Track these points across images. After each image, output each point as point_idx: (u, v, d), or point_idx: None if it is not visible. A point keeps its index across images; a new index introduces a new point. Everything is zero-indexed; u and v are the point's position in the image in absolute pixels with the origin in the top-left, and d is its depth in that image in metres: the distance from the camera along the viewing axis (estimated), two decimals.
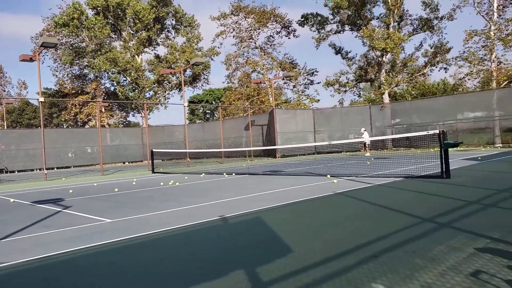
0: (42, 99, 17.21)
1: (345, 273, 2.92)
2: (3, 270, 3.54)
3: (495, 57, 25.38)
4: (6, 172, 25.96)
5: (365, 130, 22.10)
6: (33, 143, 26.74)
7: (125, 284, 3.02)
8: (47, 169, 17.34)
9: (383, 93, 30.03)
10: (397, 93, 40.04)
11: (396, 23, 30.18)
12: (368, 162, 14.79)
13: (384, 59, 30.19)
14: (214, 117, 58.07)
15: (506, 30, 25.06)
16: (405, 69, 31.97)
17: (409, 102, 28.76)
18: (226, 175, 13.19)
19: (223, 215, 5.62)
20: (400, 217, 4.81)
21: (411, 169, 10.46)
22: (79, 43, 36.32)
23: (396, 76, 31.35)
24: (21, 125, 44.07)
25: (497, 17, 25.16)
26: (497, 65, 25.66)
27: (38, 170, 26.73)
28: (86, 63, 37.12)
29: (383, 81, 30.23)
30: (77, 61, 37.32)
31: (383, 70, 30.73)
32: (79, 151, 30.06)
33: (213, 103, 56.89)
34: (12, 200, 9.45)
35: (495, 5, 24.96)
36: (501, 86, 24.86)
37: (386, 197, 6.60)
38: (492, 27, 25.01)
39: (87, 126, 42.14)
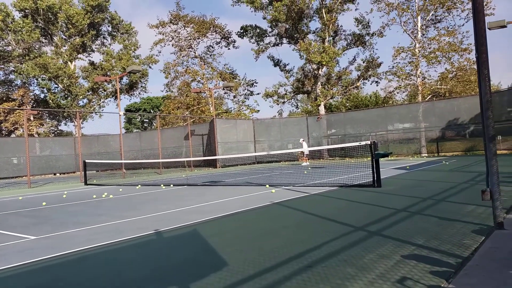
0: None
1: (278, 285, 2.85)
2: None
3: (420, 72, 27.65)
4: None
5: (303, 141, 22.72)
6: None
7: None
8: None
9: (319, 104, 31.27)
10: (333, 104, 42.05)
11: (331, 38, 31.71)
12: (306, 172, 15.18)
13: (320, 72, 31.51)
14: (153, 126, 56.24)
15: (429, 48, 27.48)
16: (339, 82, 33.63)
17: (343, 114, 30.30)
18: (164, 187, 12.69)
19: (158, 229, 5.31)
20: (334, 226, 4.90)
21: (345, 178, 10.89)
22: (4, 47, 33.17)
23: (331, 89, 32.84)
24: None
25: (421, 36, 27.51)
26: (422, 79, 27.97)
27: None
28: (13, 68, 33.99)
29: (319, 93, 31.50)
30: (2, 66, 34.05)
31: (319, 83, 32.04)
32: (3, 162, 27.20)
33: (151, 111, 55.14)
34: None
35: (419, 24, 27.31)
36: (426, 99, 27.12)
37: (322, 206, 6.74)
38: (417, 45, 27.24)
39: (13, 136, 38.35)
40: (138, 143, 31.31)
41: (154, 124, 55.82)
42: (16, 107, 34.53)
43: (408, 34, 27.92)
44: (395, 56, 28.00)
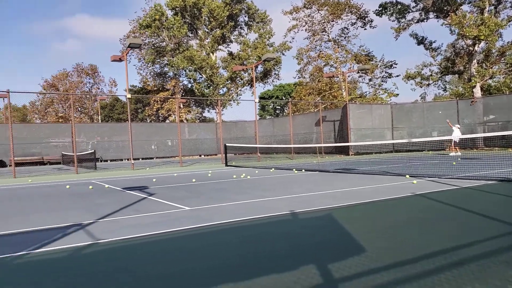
0: (129, 96, 18.83)
1: (422, 278, 2.74)
2: (99, 246, 3.97)
3: None
4: (101, 161, 28.98)
5: (457, 127, 19.55)
6: (122, 136, 29.48)
7: (198, 268, 3.19)
8: (134, 159, 19.00)
9: (474, 86, 27.37)
10: (492, 86, 36.22)
11: (492, 7, 27.23)
12: (454, 163, 13.63)
13: (476, 48, 27.48)
14: (284, 113, 58.18)
15: None
16: (502, 59, 28.71)
17: (506, 96, 25.79)
18: (296, 171, 13.17)
19: (293, 210, 5.62)
20: (491, 224, 4.36)
21: (508, 171, 9.41)
22: (160, 43, 38.96)
23: (491, 67, 28.31)
24: (112, 119, 48.76)
25: None
26: None
27: (126, 160, 29.47)
28: (166, 62, 39.70)
29: (474, 73, 27.52)
30: (158, 60, 40.10)
31: (475, 61, 27.98)
32: (161, 143, 32.37)
33: (283, 98, 57.00)
34: (106, 186, 10.52)
35: None
36: None
37: (475, 201, 6.03)
38: None
39: (167, 121, 45.18)
40: (271, 129, 33.01)
41: (286, 110, 57.75)
42: (169, 96, 40.39)
43: None
44: None
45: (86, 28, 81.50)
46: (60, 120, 43.06)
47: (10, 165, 24.24)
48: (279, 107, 62.20)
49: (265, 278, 2.89)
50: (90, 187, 10.34)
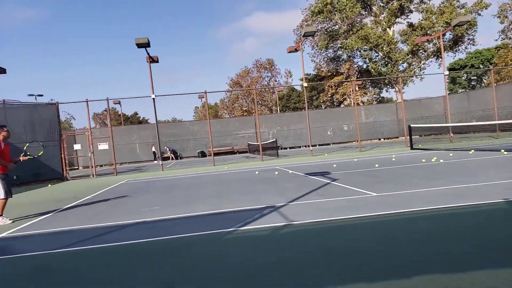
0: (305, 85, 19.59)
1: None
2: (294, 227, 4.28)
3: None
4: (281, 148, 31.45)
5: None
6: (299, 124, 31.12)
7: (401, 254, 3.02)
8: (311, 146, 19.79)
9: None
10: None
11: None
12: None
13: None
14: (483, 84, 49.52)
15: None
16: None
17: None
18: (505, 152, 11.03)
19: (508, 198, 4.71)
20: None
21: None
22: (332, 27, 38.95)
23: None
24: (288, 109, 52.06)
25: None
26: None
27: (304, 147, 31.03)
28: (339, 45, 39.45)
29: None
30: (331, 44, 40.23)
31: None
32: (337, 129, 32.62)
33: (480, 67, 48.47)
34: (290, 171, 11.33)
35: None
36: None
37: None
38: None
39: (342, 106, 45.12)
40: (465, 104, 28.69)
41: (484, 80, 49.15)
42: (344, 80, 40.06)
43: None
44: None
45: (262, 25, 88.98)
46: (245, 114, 48.63)
47: (209, 155, 28.99)
48: (474, 78, 53.45)
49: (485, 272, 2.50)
50: (276, 172, 11.27)
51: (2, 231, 5.47)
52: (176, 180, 11.70)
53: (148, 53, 17.02)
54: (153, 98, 17.22)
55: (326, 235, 3.88)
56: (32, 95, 34.15)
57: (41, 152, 7.60)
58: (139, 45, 16.07)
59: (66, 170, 16.99)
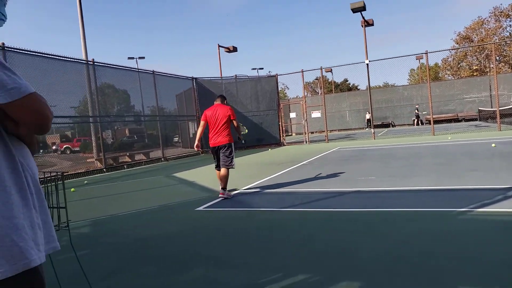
0: None
1: None
2: None
3: None
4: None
5: None
6: None
7: None
8: None
9: None
10: None
11: None
12: None
13: None
14: None
15: None
16: None
17: None
18: None
19: None
20: None
21: None
22: None
23: None
24: None
25: None
26: None
27: None
28: None
29: None
30: None
31: None
32: None
33: None
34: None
35: None
36: None
37: None
38: None
39: None
40: None
41: None
42: None
43: None
44: None
45: None
46: (475, 74, 41.85)
47: (427, 123, 26.52)
48: None
49: None
50: None
51: (240, 187, 6.66)
52: (390, 150, 11.37)
53: (363, 17, 16.72)
54: (367, 64, 16.95)
55: None
56: (255, 68, 39.35)
57: (246, 131, 8.64)
58: (354, 10, 15.91)
59: (283, 136, 18.99)
